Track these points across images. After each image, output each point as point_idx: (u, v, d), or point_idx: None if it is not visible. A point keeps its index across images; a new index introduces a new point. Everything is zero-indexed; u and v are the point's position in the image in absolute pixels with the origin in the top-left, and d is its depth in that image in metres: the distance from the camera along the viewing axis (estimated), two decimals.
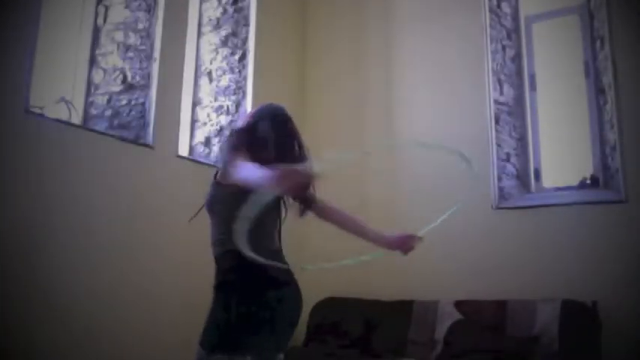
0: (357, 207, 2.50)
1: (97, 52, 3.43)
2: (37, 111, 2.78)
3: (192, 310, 3.37)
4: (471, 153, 3.81)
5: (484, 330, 3.42)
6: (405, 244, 2.06)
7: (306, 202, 1.99)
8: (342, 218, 2.09)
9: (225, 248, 1.91)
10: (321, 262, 1.95)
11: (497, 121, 3.91)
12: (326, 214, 2.06)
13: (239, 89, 4.07)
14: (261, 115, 2.02)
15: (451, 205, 2.15)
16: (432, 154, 4.02)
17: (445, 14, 4.18)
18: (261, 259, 1.72)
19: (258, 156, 1.82)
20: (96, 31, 3.45)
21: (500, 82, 4.00)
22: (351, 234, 2.09)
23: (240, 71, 4.10)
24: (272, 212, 1.91)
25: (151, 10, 3.43)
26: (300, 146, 1.99)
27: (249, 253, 1.66)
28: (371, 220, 2.18)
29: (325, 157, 1.53)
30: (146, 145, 3.26)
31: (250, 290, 1.83)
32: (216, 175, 2.00)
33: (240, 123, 2.12)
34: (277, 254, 1.92)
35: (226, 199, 1.88)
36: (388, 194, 4.09)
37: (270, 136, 1.95)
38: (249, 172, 1.69)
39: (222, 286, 1.96)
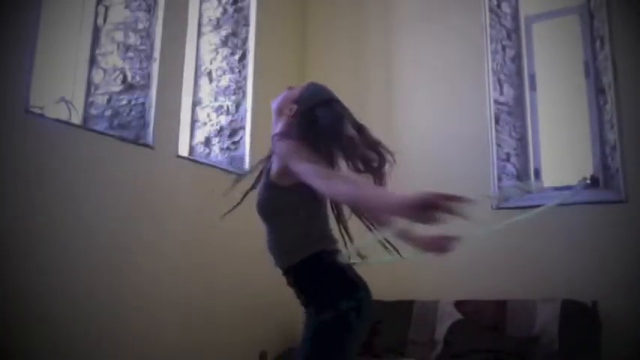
0: None
1: (97, 52, 3.43)
2: (37, 111, 2.77)
3: (192, 311, 3.39)
4: (471, 153, 3.87)
5: (484, 330, 3.42)
6: (438, 245, 1.82)
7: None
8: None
9: (311, 251, 1.80)
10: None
11: (497, 121, 3.91)
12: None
13: (239, 89, 4.07)
14: (315, 99, 1.92)
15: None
16: (432, 154, 4.03)
17: (445, 14, 4.18)
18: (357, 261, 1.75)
19: (318, 152, 1.75)
20: (96, 31, 3.45)
21: (500, 82, 4.00)
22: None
23: (240, 71, 4.10)
24: None
25: (151, 10, 3.43)
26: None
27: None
28: None
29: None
30: (146, 145, 3.26)
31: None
32: (264, 174, 1.88)
33: (288, 109, 1.93)
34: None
35: (295, 201, 1.79)
36: None
37: (334, 125, 1.84)
38: (374, 193, 1.64)
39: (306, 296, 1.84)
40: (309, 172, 1.68)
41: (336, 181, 1.65)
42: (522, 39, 4.12)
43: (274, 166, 1.83)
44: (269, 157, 1.92)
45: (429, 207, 1.35)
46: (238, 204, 2.01)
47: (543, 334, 3.26)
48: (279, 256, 1.87)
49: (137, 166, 3.19)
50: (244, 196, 1.99)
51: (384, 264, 1.92)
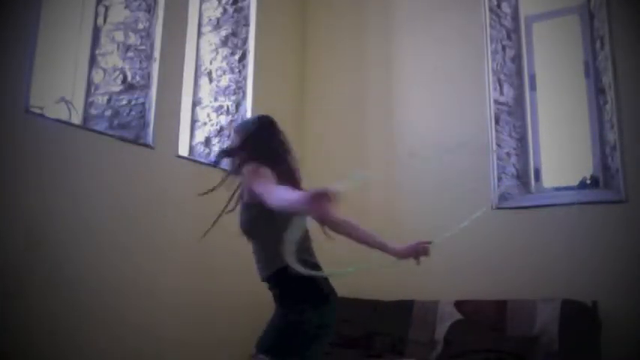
0: (357, 213, 2.47)
1: (97, 52, 3.43)
2: (37, 111, 2.78)
3: (192, 310, 3.39)
4: (471, 153, 3.87)
5: (484, 330, 3.42)
6: (416, 251, 2.14)
7: (326, 219, 2.03)
8: (354, 231, 2.17)
9: (277, 267, 1.95)
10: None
11: (497, 121, 3.90)
12: (339, 227, 2.14)
13: (239, 89, 4.07)
14: (249, 126, 2.18)
15: (451, 209, 2.19)
16: (432, 153, 4.02)
17: (445, 14, 4.18)
18: (313, 273, 1.82)
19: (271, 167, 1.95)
20: (96, 31, 3.45)
21: (500, 82, 3.99)
22: (362, 245, 2.17)
23: (240, 71, 4.10)
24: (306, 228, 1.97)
25: (151, 10, 3.43)
26: (288, 148, 2.12)
27: (303, 270, 1.71)
28: (371, 225, 2.21)
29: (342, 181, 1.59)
30: (146, 145, 3.26)
31: (303, 303, 1.95)
32: (241, 196, 2.08)
33: (233, 140, 2.20)
34: (317, 266, 2.02)
35: (267, 219, 1.93)
36: (388, 199, 4.08)
37: (269, 142, 2.07)
38: (280, 195, 1.76)
39: (279, 300, 2.04)
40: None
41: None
42: (522, 39, 4.12)
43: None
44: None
45: (318, 197, 1.52)
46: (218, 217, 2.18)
47: (543, 334, 3.26)
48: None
49: (137, 166, 3.19)
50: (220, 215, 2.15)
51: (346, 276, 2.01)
